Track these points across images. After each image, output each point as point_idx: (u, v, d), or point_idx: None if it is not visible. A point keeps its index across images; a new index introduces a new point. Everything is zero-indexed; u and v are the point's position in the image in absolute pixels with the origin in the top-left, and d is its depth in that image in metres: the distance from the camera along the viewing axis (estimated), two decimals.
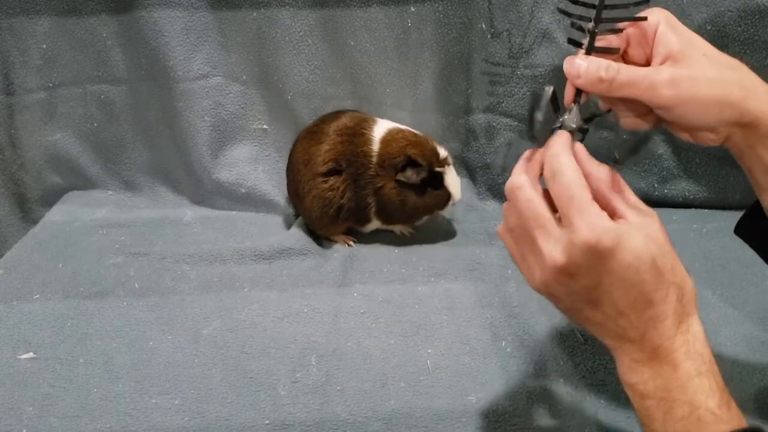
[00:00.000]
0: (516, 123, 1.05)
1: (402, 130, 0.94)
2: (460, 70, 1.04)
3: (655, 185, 1.06)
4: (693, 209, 1.05)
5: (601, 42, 0.51)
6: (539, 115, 0.51)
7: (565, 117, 0.51)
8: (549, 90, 0.51)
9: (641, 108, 0.52)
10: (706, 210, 1.05)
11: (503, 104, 1.05)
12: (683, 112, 0.49)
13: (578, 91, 0.51)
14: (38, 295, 0.84)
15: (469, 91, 1.06)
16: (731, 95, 0.48)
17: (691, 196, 1.06)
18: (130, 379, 0.69)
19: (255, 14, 1.01)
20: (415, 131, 0.95)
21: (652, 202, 1.06)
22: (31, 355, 0.73)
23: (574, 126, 0.51)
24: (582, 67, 0.49)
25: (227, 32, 1.03)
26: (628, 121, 0.54)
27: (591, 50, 0.50)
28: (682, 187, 1.06)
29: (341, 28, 1.02)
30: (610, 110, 0.53)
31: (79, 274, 0.89)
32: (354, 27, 1.01)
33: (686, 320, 0.44)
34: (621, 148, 0.60)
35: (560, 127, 0.50)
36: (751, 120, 0.49)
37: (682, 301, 0.44)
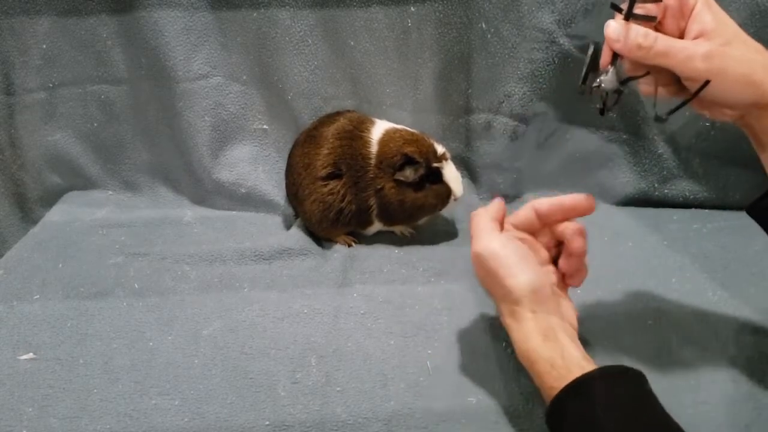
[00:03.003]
0: (516, 123, 1.05)
1: (398, 130, 0.94)
2: (460, 70, 1.04)
3: (655, 185, 1.06)
4: (693, 209, 1.05)
5: (639, 10, 0.52)
6: (584, 70, 0.54)
7: (602, 78, 0.54)
8: (592, 47, 0.54)
9: (664, 78, 0.55)
10: (706, 210, 1.04)
11: (503, 104, 1.05)
12: (711, 86, 0.51)
13: (615, 54, 0.53)
14: (38, 296, 0.84)
15: (469, 91, 1.05)
16: (755, 75, 0.51)
17: (691, 196, 1.05)
18: (130, 379, 0.69)
19: (255, 14, 1.01)
20: (411, 130, 0.95)
21: (652, 202, 1.07)
22: (31, 355, 0.73)
23: (611, 87, 0.54)
24: (622, 32, 0.52)
25: (227, 32, 1.03)
26: (643, 87, 0.57)
27: (630, 16, 0.52)
28: (682, 187, 1.06)
29: (341, 28, 1.01)
30: (648, 73, 0.55)
31: (79, 274, 0.89)
32: (354, 27, 1.01)
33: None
34: (662, 107, 0.62)
35: (599, 87, 0.54)
36: None
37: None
